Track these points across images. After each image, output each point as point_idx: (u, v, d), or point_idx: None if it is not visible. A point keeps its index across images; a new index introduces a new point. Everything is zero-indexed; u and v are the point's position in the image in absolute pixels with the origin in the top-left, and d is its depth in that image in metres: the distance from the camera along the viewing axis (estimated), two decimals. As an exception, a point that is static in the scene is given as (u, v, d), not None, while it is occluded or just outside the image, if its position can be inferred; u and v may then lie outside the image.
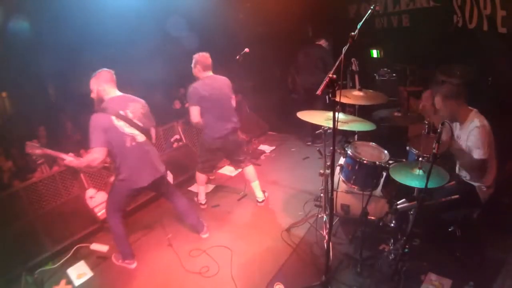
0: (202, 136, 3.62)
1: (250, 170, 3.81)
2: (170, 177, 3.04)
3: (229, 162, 4.75)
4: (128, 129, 2.73)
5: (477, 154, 2.47)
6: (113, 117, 2.67)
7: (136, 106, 2.83)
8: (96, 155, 2.61)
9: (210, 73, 3.46)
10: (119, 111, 2.70)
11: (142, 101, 2.94)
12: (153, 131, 3.02)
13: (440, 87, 2.70)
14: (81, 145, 4.52)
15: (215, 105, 3.40)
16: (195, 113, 3.38)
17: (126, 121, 2.72)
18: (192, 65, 3.45)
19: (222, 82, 3.50)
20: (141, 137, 2.81)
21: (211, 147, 3.59)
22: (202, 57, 3.40)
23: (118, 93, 2.83)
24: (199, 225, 3.40)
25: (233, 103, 3.64)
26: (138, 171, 2.83)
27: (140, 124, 2.80)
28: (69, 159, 2.68)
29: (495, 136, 2.51)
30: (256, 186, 3.85)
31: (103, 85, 2.76)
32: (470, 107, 2.61)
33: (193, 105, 3.36)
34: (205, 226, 3.44)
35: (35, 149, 2.70)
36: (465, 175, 2.73)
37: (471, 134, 2.52)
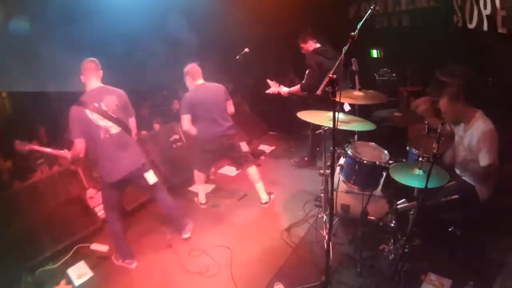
0: (197, 140, 3.71)
1: (252, 171, 3.81)
2: (152, 177, 3.09)
3: (229, 162, 4.76)
4: (102, 122, 2.80)
5: (485, 160, 2.46)
6: (87, 111, 2.75)
7: (111, 99, 2.88)
8: (77, 147, 2.76)
9: (201, 81, 3.63)
10: (94, 104, 2.78)
11: (119, 92, 2.98)
12: (132, 123, 3.06)
13: (445, 89, 2.70)
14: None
15: (207, 111, 3.56)
16: (185, 121, 3.55)
17: (100, 113, 2.79)
18: (184, 77, 3.64)
19: (215, 89, 3.66)
20: (115, 129, 2.86)
21: (204, 150, 3.71)
22: (191, 67, 3.61)
23: (97, 84, 2.89)
24: (182, 225, 3.40)
25: (230, 107, 3.75)
26: (112, 163, 2.87)
27: (114, 116, 2.86)
28: (56, 152, 2.86)
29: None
30: (260, 187, 3.84)
31: (85, 76, 2.87)
32: (474, 108, 2.61)
33: (184, 113, 3.54)
34: (188, 227, 3.41)
35: (23, 145, 2.86)
36: (464, 174, 2.73)
37: (476, 138, 2.51)
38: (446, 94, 2.63)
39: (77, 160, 2.89)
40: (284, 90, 4.30)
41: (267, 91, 4.36)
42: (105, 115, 2.80)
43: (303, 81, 4.24)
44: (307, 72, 4.23)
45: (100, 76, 2.93)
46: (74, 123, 2.73)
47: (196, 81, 3.60)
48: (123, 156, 2.89)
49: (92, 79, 2.87)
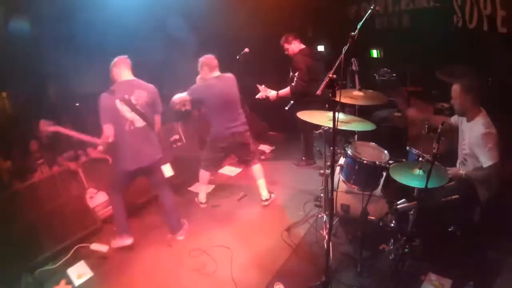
0: (209, 135, 3.67)
1: (257, 168, 3.83)
2: (168, 170, 3.17)
3: (229, 162, 4.76)
4: (129, 114, 2.88)
5: (487, 161, 2.45)
6: (117, 101, 2.82)
7: (141, 93, 2.96)
8: (106, 131, 2.82)
9: (217, 73, 3.51)
10: (124, 96, 2.86)
11: (151, 87, 3.07)
12: (157, 118, 3.16)
13: (462, 78, 2.67)
14: (84, 145, 4.51)
15: (223, 106, 3.48)
16: (180, 97, 3.49)
17: (129, 106, 2.87)
18: (199, 68, 3.51)
19: (231, 82, 3.58)
20: (140, 123, 2.95)
21: (216, 146, 3.63)
22: (208, 59, 3.48)
23: (129, 77, 2.98)
24: (177, 226, 3.43)
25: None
26: (131, 154, 2.96)
27: (142, 111, 2.94)
28: (82, 136, 2.96)
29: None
30: (261, 184, 3.84)
31: (116, 69, 2.97)
32: (479, 107, 2.61)
33: (188, 95, 3.44)
34: (183, 229, 3.46)
35: (48, 126, 2.90)
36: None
37: (476, 138, 2.51)
38: (459, 83, 2.62)
39: (107, 145, 2.92)
40: (272, 94, 4.28)
41: (256, 97, 4.34)
42: (133, 108, 2.88)
43: (292, 84, 4.22)
44: (296, 74, 4.18)
45: (129, 69, 3.02)
46: (103, 110, 2.82)
47: (212, 73, 3.48)
48: (143, 149, 3.01)
49: (126, 71, 2.98)
